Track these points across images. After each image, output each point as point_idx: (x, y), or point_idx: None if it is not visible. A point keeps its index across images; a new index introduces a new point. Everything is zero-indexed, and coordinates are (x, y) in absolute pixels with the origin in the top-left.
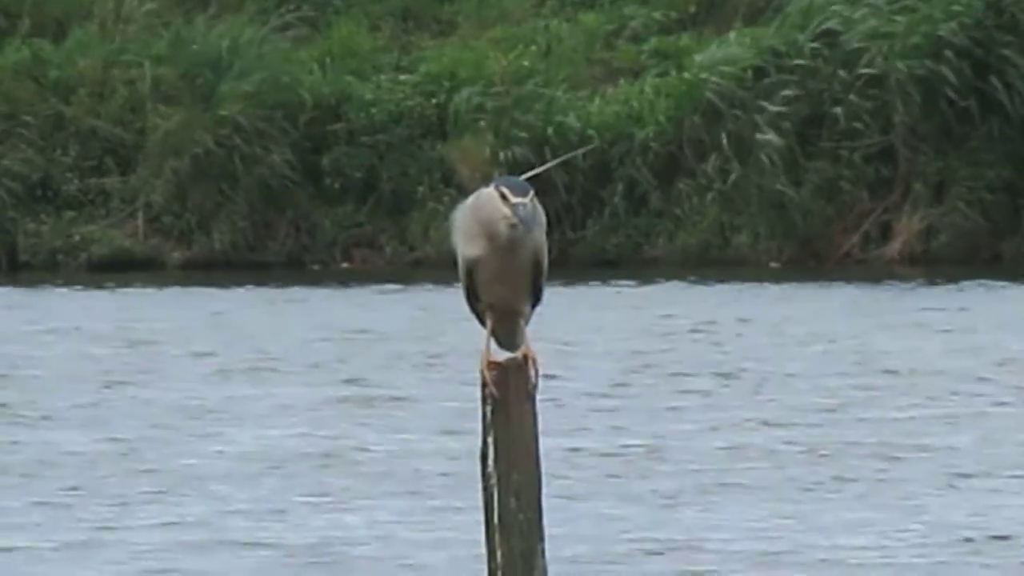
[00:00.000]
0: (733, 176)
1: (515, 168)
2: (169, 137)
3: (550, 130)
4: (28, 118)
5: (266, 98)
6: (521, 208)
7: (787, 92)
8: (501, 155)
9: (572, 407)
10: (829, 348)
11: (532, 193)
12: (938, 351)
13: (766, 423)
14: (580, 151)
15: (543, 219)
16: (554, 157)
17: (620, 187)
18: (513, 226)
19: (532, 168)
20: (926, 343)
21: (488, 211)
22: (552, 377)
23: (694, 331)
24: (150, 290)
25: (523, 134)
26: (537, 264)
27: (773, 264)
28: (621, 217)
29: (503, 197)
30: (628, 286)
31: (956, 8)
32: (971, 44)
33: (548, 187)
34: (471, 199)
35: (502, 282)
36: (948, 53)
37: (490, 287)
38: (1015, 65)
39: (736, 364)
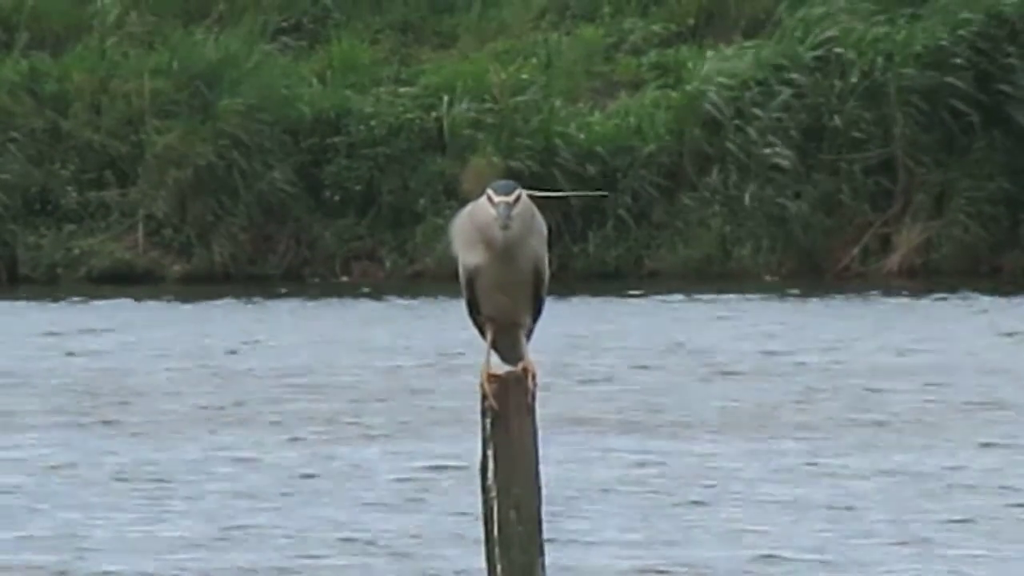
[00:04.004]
0: (734, 189)
1: (522, 182)
2: (168, 150)
3: (558, 141)
4: (25, 131)
5: (265, 111)
6: (503, 206)
7: (787, 104)
8: (506, 168)
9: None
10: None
11: (518, 192)
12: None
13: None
14: (593, 193)
15: (543, 229)
16: (562, 171)
17: (622, 199)
18: (505, 227)
19: (536, 184)
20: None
21: (482, 216)
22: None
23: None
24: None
25: (527, 142)
26: (538, 274)
27: (769, 277)
28: (623, 229)
29: (490, 199)
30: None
31: (959, 19)
32: (974, 54)
33: (550, 199)
34: (468, 207)
35: (503, 291)
36: (951, 64)
37: (491, 297)
38: (1019, 75)
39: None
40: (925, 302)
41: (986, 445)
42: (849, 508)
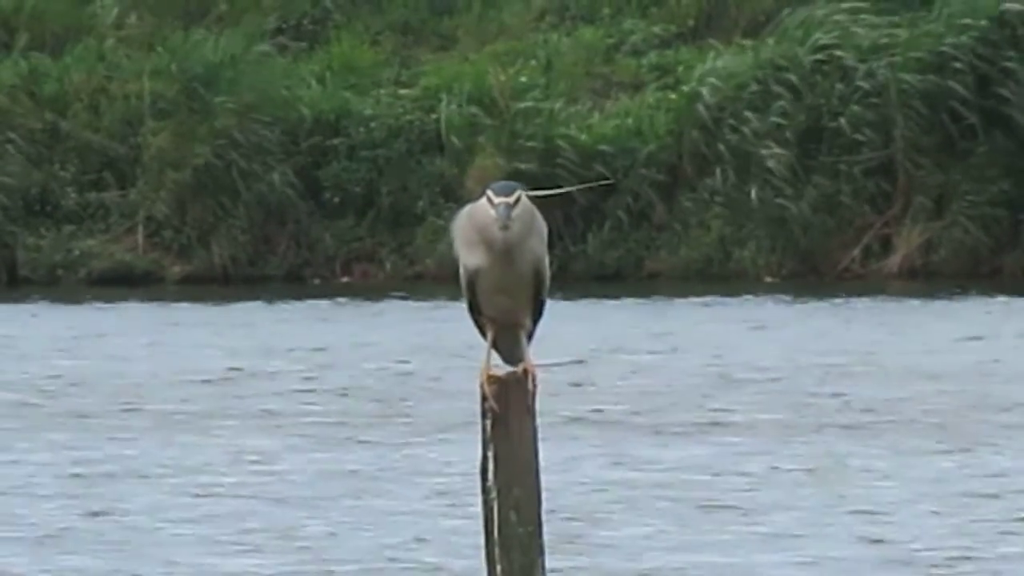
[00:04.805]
0: (734, 190)
1: (523, 183)
2: (167, 152)
3: (558, 142)
4: (25, 132)
5: (265, 113)
6: (502, 207)
7: (787, 106)
8: (510, 170)
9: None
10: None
11: (518, 194)
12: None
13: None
14: (595, 184)
15: (543, 230)
16: (562, 171)
17: (622, 201)
18: (504, 228)
19: (538, 184)
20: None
21: (481, 216)
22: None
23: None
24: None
25: (528, 144)
26: (538, 275)
27: (769, 279)
28: (623, 231)
29: (489, 200)
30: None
31: (961, 23)
32: (975, 58)
33: (549, 199)
34: (468, 208)
35: (503, 292)
36: (952, 68)
37: (491, 298)
38: (1019, 79)
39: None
40: (925, 303)
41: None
42: (877, 511)
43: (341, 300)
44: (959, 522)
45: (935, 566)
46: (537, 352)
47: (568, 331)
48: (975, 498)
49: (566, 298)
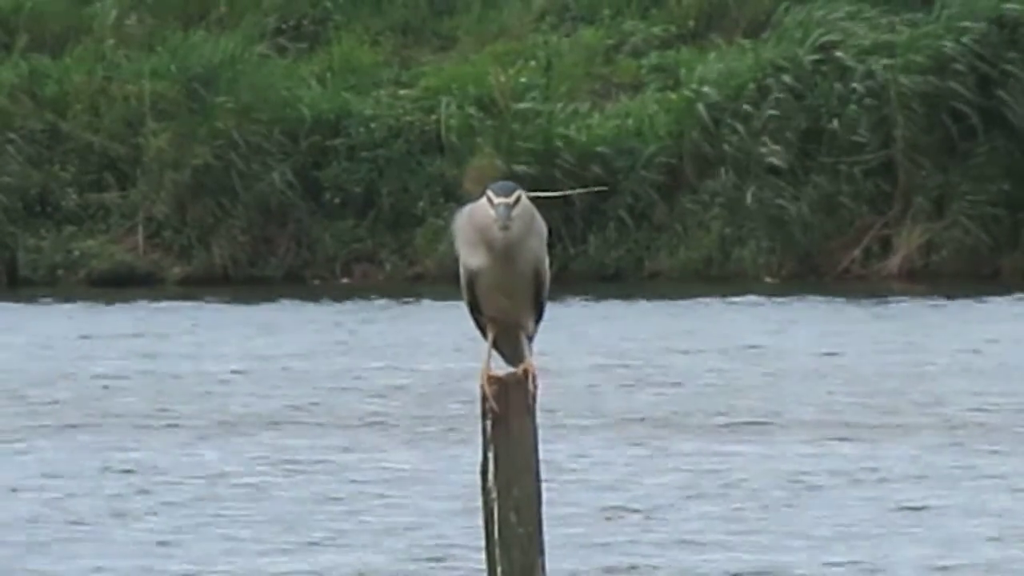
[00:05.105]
0: (734, 191)
1: (523, 184)
2: (168, 152)
3: (558, 143)
4: (25, 133)
5: (265, 113)
6: (502, 207)
7: (787, 106)
8: (509, 171)
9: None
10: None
11: (517, 194)
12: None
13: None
14: (593, 189)
15: (543, 230)
16: (562, 173)
17: (622, 201)
18: (504, 228)
19: (538, 187)
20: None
21: (480, 216)
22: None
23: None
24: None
25: (527, 145)
26: (538, 275)
27: (769, 279)
28: (623, 231)
29: (489, 200)
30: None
31: (961, 24)
32: (975, 59)
33: (550, 200)
34: (468, 207)
35: (503, 292)
36: (952, 68)
37: (491, 298)
38: (1019, 80)
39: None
40: (929, 304)
41: None
42: (912, 509)
43: (348, 300)
44: (994, 522)
45: (962, 567)
46: (551, 353)
47: (577, 333)
48: (1011, 493)
49: (581, 300)
